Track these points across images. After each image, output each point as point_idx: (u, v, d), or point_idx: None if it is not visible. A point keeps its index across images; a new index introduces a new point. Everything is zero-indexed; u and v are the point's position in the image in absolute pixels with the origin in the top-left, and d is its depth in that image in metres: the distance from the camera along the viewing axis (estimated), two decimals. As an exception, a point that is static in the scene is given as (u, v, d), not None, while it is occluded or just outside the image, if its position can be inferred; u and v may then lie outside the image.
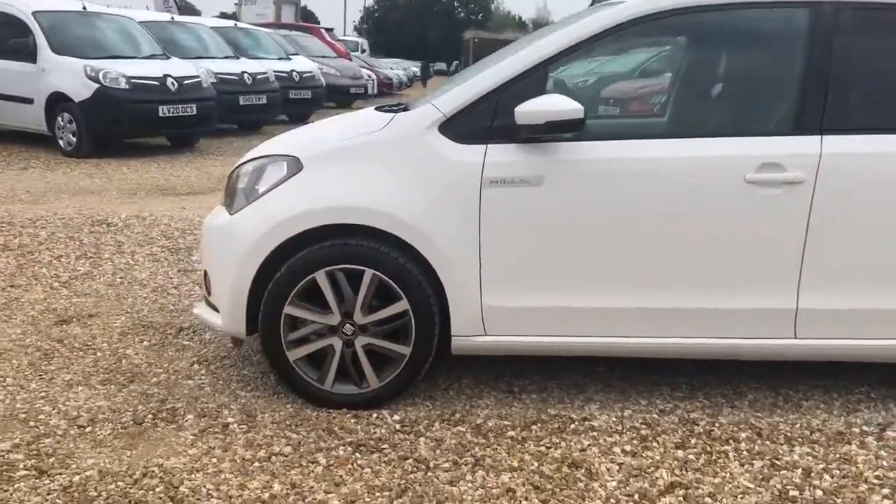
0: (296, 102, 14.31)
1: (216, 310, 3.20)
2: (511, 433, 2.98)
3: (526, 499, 2.54)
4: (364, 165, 3.02)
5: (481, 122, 2.99)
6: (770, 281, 3.02)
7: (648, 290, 3.02)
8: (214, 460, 2.71)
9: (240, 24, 15.89)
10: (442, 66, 68.22)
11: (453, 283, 3.00)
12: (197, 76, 10.40)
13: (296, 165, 3.06)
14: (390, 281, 3.00)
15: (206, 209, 6.45)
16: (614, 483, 2.65)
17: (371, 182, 3.00)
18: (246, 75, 12.34)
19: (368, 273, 2.99)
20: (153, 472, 2.61)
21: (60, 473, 2.59)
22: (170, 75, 9.95)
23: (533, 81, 2.99)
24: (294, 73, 14.39)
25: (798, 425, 3.10)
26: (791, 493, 2.62)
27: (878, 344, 3.07)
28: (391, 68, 30.12)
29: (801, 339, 3.07)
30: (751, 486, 2.66)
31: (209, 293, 3.24)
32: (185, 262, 5.14)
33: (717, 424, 3.09)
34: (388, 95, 28.01)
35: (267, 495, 2.51)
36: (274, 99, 12.81)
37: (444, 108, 3.02)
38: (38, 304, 4.26)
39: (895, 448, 2.95)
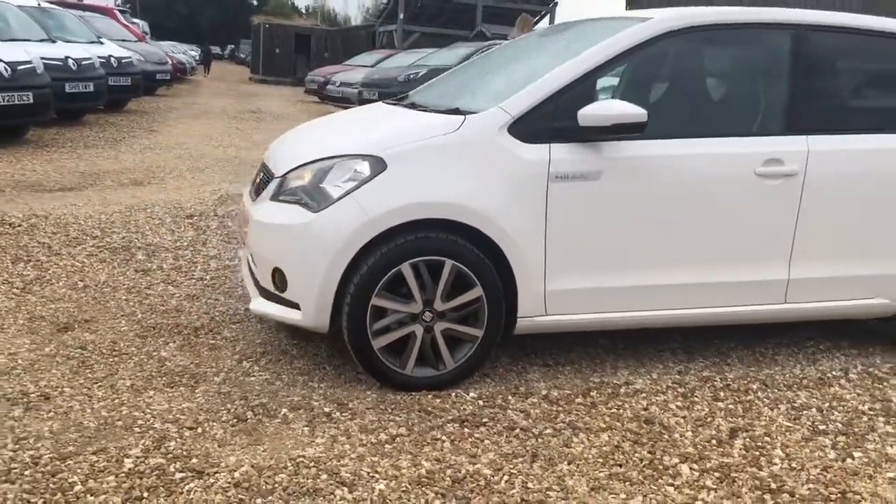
0: (115, 90, 13.48)
1: (293, 305, 3.27)
2: (578, 399, 3.36)
3: (634, 451, 2.94)
4: (445, 164, 3.25)
5: (545, 124, 3.32)
6: (770, 257, 3.65)
7: (682, 268, 3.54)
8: (347, 447, 2.84)
9: (43, 4, 14.60)
10: (216, 49, 65.64)
11: (523, 269, 3.32)
12: (30, 62, 9.58)
13: (380, 164, 3.22)
14: (467, 270, 3.26)
15: (101, 207, 6.17)
16: (689, 433, 3.12)
17: (453, 179, 3.24)
18: (70, 61, 11.46)
19: (448, 263, 3.23)
20: (304, 462, 2.71)
21: (217, 472, 2.61)
22: (1, 60, 9.09)
23: (586, 87, 3.38)
24: (112, 59, 13.54)
25: (787, 375, 3.76)
26: (820, 427, 3.25)
27: (848, 304, 3.81)
28: (176, 52, 28.77)
29: (790, 303, 3.74)
30: (789, 424, 3.25)
31: (282, 289, 3.30)
32: (135, 263, 4.95)
33: (729, 379, 3.67)
34: (184, 81, 26.89)
35: (424, 471, 2.71)
36: (100, 86, 12.02)
37: (512, 111, 3.32)
38: (16, 312, 3.98)
39: (864, 386, 3.69)
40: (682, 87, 3.77)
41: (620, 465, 2.84)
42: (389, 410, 3.15)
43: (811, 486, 2.77)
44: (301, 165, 3.40)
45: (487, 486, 2.65)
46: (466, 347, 3.37)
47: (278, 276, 3.31)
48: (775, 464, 2.92)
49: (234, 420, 3.00)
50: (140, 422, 2.93)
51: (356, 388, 3.36)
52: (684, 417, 3.26)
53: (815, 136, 3.64)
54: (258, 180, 3.80)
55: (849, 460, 2.98)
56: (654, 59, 3.60)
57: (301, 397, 3.24)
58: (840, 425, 3.27)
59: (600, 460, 2.87)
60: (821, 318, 3.90)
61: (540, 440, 2.99)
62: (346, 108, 14.47)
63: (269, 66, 35.09)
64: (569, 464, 2.83)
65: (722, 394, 3.52)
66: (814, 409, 3.41)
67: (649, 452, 2.95)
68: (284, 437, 2.90)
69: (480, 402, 3.28)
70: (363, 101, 15.47)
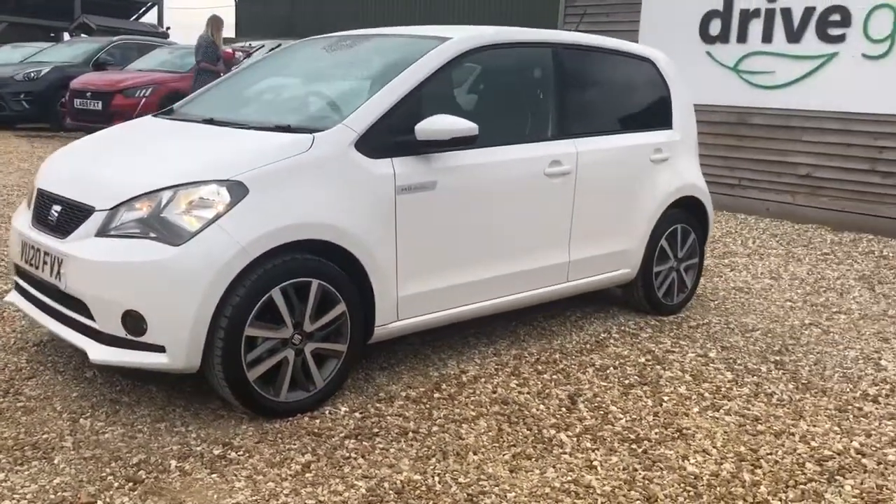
0: None
1: (156, 349, 3.02)
2: (436, 394, 3.61)
3: (517, 431, 3.29)
4: (303, 183, 3.24)
5: (385, 140, 3.48)
6: (557, 243, 4.24)
7: (499, 261, 3.96)
8: (272, 485, 2.76)
9: None
10: None
11: (379, 280, 3.46)
12: None
13: (241, 189, 3.10)
14: (331, 287, 3.31)
15: None
16: (541, 405, 3.56)
17: (314, 199, 3.25)
18: None
19: (315, 283, 3.25)
20: (245, 509, 2.59)
21: None
22: None
23: (416, 103, 3.60)
24: None
25: (574, 343, 4.40)
26: (625, 381, 3.91)
27: (608, 276, 4.57)
28: None
29: (571, 281, 4.38)
30: (604, 384, 3.86)
31: (138, 333, 3.02)
32: None
33: (535, 353, 4.19)
34: None
35: (364, 490, 2.76)
36: None
37: (356, 128, 3.42)
38: None
39: (628, 343, 4.48)
40: (484, 100, 4.16)
41: (515, 445, 3.16)
42: (280, 440, 3.09)
43: (656, 430, 3.38)
44: (140, 195, 3.11)
45: (429, 490, 2.80)
46: (332, 364, 3.41)
47: (132, 320, 3.02)
48: (619, 418, 3.48)
49: (132, 484, 2.72)
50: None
51: (226, 423, 3.21)
52: (528, 392, 3.69)
53: (579, 139, 4.29)
54: (52, 212, 3.36)
55: (664, 404, 3.65)
56: (458, 74, 3.92)
57: (179, 445, 3.02)
58: (637, 377, 3.96)
59: (496, 444, 3.16)
60: (590, 290, 4.61)
61: (435, 438, 3.19)
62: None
63: None
64: (475, 453, 3.08)
65: (540, 367, 4.02)
66: (610, 368, 4.07)
67: (528, 429, 3.32)
68: (201, 490, 2.71)
69: (357, 415, 3.35)
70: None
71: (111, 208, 3.14)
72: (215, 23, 10.78)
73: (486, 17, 21.14)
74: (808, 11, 8.33)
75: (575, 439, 3.24)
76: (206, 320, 3.00)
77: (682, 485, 2.91)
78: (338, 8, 26.84)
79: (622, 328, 4.70)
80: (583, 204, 4.30)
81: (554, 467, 3.00)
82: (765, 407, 3.66)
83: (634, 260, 4.72)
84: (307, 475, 2.84)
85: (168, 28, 29.06)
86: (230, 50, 11.32)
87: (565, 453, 3.12)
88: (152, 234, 3.05)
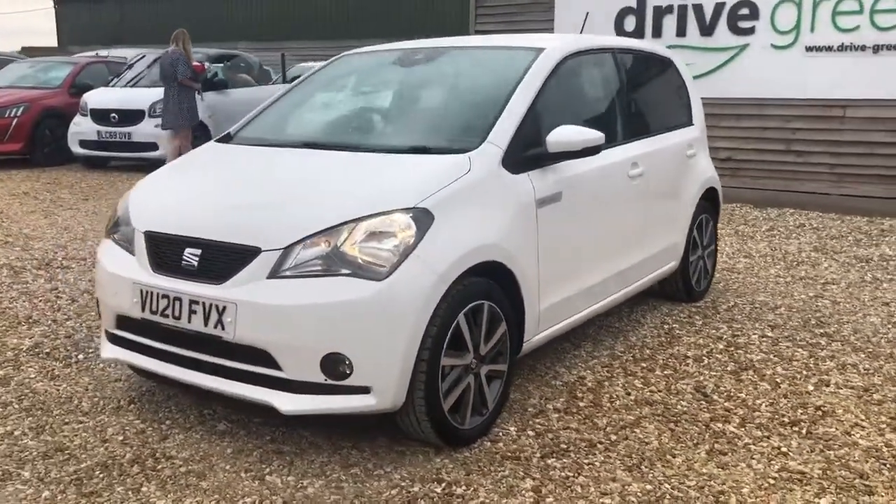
0: None
1: (360, 391, 2.86)
2: (582, 403, 3.64)
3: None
4: (472, 206, 3.16)
5: (521, 154, 3.46)
6: (638, 242, 4.39)
7: (607, 262, 4.05)
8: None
9: None
10: None
11: (528, 294, 3.44)
12: None
13: (427, 216, 2.98)
14: (497, 308, 3.26)
15: None
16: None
17: (483, 220, 3.19)
18: None
19: (486, 305, 3.19)
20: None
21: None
22: None
23: (536, 115, 3.60)
24: None
25: (664, 332, 4.56)
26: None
27: (665, 268, 4.77)
28: None
29: (644, 276, 4.53)
30: (736, 364, 4.05)
31: (342, 377, 2.84)
32: None
33: (646, 345, 4.31)
34: None
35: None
36: None
37: (501, 145, 3.38)
38: None
39: (694, 331, 4.70)
40: (578, 106, 4.18)
41: (700, 443, 3.26)
42: (486, 469, 3.02)
43: (799, 411, 3.58)
44: (319, 232, 2.92)
45: (675, 498, 2.84)
46: (496, 385, 3.35)
47: (332, 364, 2.83)
48: (758, 404, 3.66)
49: None
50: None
51: (414, 459, 3.09)
52: (658, 391, 3.79)
53: (642, 141, 4.44)
54: (188, 257, 3.08)
55: (779, 386, 3.87)
56: (558, 82, 3.93)
57: (395, 489, 2.88)
58: (733, 364, 4.17)
59: (682, 444, 3.24)
60: (654, 283, 4.79)
61: (622, 446, 3.22)
62: None
63: None
64: (673, 456, 3.15)
65: (643, 364, 4.13)
66: (703, 358, 4.25)
67: (693, 426, 3.42)
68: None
69: (531, 433, 3.33)
70: None
71: (285, 248, 2.92)
72: (185, 37, 10.15)
73: (399, 19, 20.81)
74: (719, 6, 8.96)
75: (742, 430, 3.39)
76: (413, 355, 2.88)
77: (873, 458, 3.13)
78: (174, 16, 25.48)
79: (675, 318, 4.91)
80: (651, 203, 4.46)
81: (754, 459, 3.13)
82: (861, 377, 3.97)
83: (679, 252, 4.94)
84: (549, 500, 2.80)
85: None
86: (200, 63, 10.63)
87: (749, 444, 3.25)
88: (344, 271, 2.87)
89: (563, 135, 3.51)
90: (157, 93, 11.03)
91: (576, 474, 2.98)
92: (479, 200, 3.20)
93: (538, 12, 10.07)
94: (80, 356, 4.19)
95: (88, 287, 5.43)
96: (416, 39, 4.34)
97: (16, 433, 3.30)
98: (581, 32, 4.97)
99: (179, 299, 3.05)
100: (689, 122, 5.18)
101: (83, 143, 11.39)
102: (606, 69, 4.37)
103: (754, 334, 4.62)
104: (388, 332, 2.84)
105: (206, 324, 2.98)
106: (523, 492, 2.86)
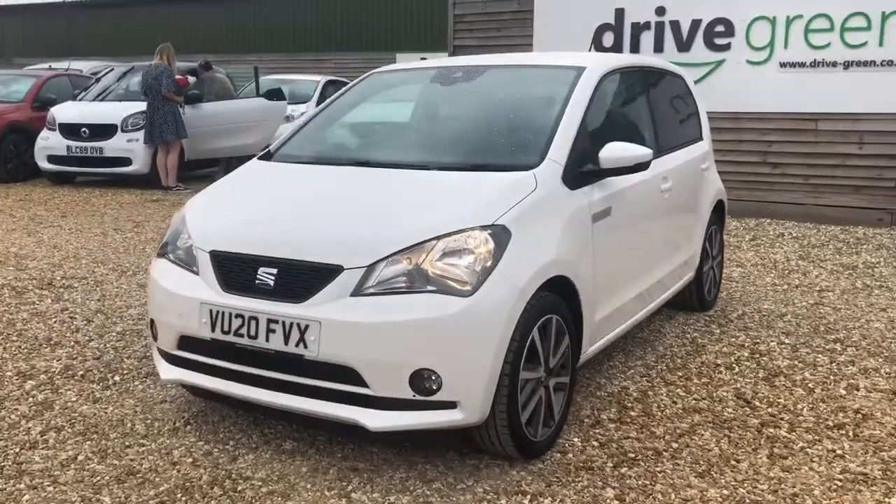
0: None
1: (446, 406, 2.89)
2: (634, 407, 3.74)
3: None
4: (541, 221, 3.24)
5: (577, 170, 3.55)
6: (668, 255, 4.51)
7: (645, 275, 4.16)
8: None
9: None
10: None
11: (587, 308, 3.53)
12: None
13: (505, 233, 3.04)
14: (561, 320, 3.34)
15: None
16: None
17: (552, 235, 3.26)
18: None
19: (554, 319, 3.27)
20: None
21: None
22: None
23: (585, 131, 3.70)
24: None
25: (689, 342, 4.68)
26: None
27: (687, 276, 4.91)
28: None
29: (669, 288, 4.66)
30: (765, 370, 4.19)
31: (430, 392, 2.87)
32: None
33: (675, 354, 4.43)
34: None
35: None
36: None
37: (560, 161, 3.46)
38: None
39: (724, 336, 4.85)
40: (617, 121, 4.29)
41: (757, 448, 3.38)
42: (563, 480, 3.08)
43: (840, 415, 3.73)
44: (402, 250, 2.95)
45: (754, 501, 2.95)
46: (560, 397, 3.42)
47: (421, 379, 2.87)
48: (799, 408, 3.80)
49: None
50: None
51: (489, 472, 3.13)
52: (701, 398, 3.91)
53: (668, 155, 4.57)
54: (262, 276, 3.08)
55: (813, 392, 4.03)
56: (600, 99, 4.03)
57: (482, 502, 2.92)
58: (763, 370, 4.32)
59: (742, 450, 3.36)
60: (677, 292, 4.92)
61: (686, 453, 3.32)
62: None
63: None
64: (737, 461, 3.26)
65: (679, 373, 4.25)
66: (733, 365, 4.39)
67: (747, 432, 3.54)
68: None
69: (595, 444, 3.40)
70: None
71: (368, 266, 2.95)
72: (171, 51, 10.03)
73: (377, 33, 20.63)
74: (695, 23, 9.24)
75: (794, 434, 3.52)
76: (498, 369, 2.93)
77: (926, 457, 3.29)
78: (125, 28, 25.06)
79: (693, 328, 5.05)
80: (676, 215, 4.60)
81: (814, 462, 3.26)
82: (886, 381, 4.16)
83: (695, 262, 5.09)
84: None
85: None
86: (183, 77, 10.44)
87: (805, 447, 3.38)
88: (430, 288, 2.91)
89: (616, 151, 3.61)
90: (130, 107, 10.86)
91: (651, 482, 3.07)
92: (546, 216, 3.27)
93: (516, 28, 10.22)
94: (116, 377, 4.12)
95: (100, 307, 5.34)
96: (450, 57, 4.40)
97: (79, 458, 3.24)
98: (590, 50, 5.09)
99: (256, 318, 3.04)
100: (701, 137, 5.35)
101: (51, 159, 11.12)
102: (637, 86, 4.50)
103: (772, 342, 4.79)
104: (476, 348, 2.88)
105: (286, 342, 2.98)
106: (607, 500, 2.93)
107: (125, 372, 4.19)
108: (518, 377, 3.03)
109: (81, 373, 4.17)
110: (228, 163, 12.20)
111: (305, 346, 2.95)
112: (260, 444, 3.37)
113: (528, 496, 2.96)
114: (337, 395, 2.96)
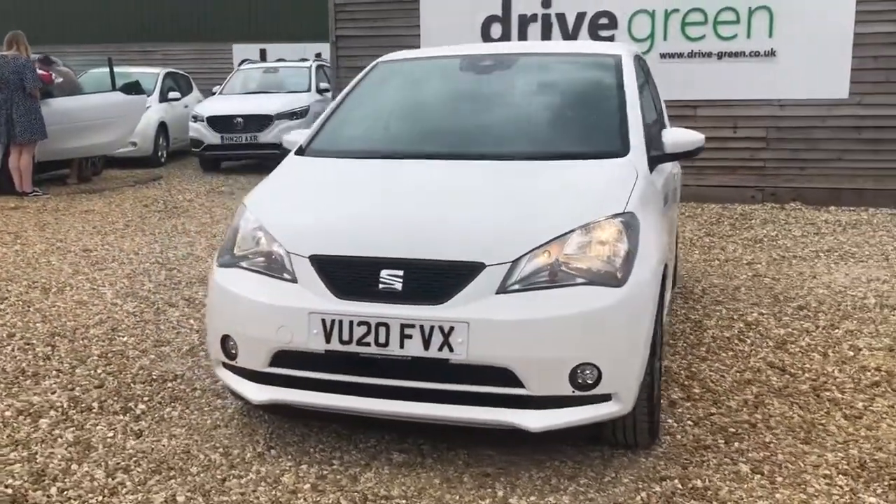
0: None
1: (602, 399, 2.84)
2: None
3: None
4: (648, 207, 3.25)
5: (648, 154, 3.59)
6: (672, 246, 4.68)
7: (671, 252, 4.27)
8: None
9: None
10: None
11: (666, 290, 3.59)
12: None
13: (635, 220, 3.02)
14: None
15: None
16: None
17: (657, 221, 3.29)
18: None
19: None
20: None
21: None
22: None
23: (644, 119, 3.76)
24: None
25: (692, 324, 4.89)
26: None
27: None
28: None
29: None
30: (773, 343, 4.45)
31: (590, 387, 2.80)
32: None
33: (686, 339, 4.60)
34: None
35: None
36: None
37: (641, 146, 3.49)
38: None
39: (713, 313, 5.11)
40: (647, 105, 4.33)
41: (829, 412, 3.61)
42: (693, 461, 3.13)
43: (865, 378, 4.06)
44: (545, 243, 2.86)
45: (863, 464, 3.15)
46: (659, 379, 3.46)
47: (581, 374, 2.79)
48: (830, 374, 4.09)
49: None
50: None
51: (606, 462, 3.12)
52: (736, 372, 4.11)
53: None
54: (385, 279, 2.87)
55: (828, 355, 4.35)
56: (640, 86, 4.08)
57: (634, 488, 2.90)
58: (771, 342, 4.61)
59: (815, 416, 3.57)
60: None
61: (773, 417, 3.49)
62: None
63: None
64: (842, 422, 3.47)
65: (701, 352, 4.44)
66: (746, 341, 4.65)
67: (805, 398, 3.77)
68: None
69: (688, 423, 3.48)
70: None
71: (513, 261, 2.82)
72: (24, 41, 8.72)
73: (256, 22, 19.15)
74: (581, 16, 9.60)
75: (847, 395, 3.79)
76: (646, 358, 2.92)
77: (966, 408, 3.66)
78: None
79: (676, 305, 5.29)
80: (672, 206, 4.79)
81: (884, 418, 3.53)
82: (875, 339, 4.57)
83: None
84: (778, 479, 2.98)
85: None
86: (48, 72, 9.13)
87: (867, 406, 3.65)
88: (579, 280, 2.83)
89: (677, 136, 3.69)
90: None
91: (772, 453, 3.18)
92: (649, 202, 3.29)
93: (401, 18, 10.12)
94: (140, 406, 3.66)
95: (51, 329, 4.70)
96: (476, 44, 4.28)
97: (180, 499, 2.84)
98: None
99: (386, 325, 2.82)
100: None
101: None
102: (643, 72, 4.61)
103: (753, 313, 5.11)
104: (631, 337, 2.85)
105: (426, 347, 2.79)
106: (747, 476, 3.01)
107: (145, 399, 3.73)
108: (655, 364, 3.03)
109: (96, 405, 3.66)
110: (81, 164, 11.15)
111: (451, 350, 2.77)
112: (367, 459, 3.13)
113: (675, 480, 2.97)
114: (484, 399, 2.82)
